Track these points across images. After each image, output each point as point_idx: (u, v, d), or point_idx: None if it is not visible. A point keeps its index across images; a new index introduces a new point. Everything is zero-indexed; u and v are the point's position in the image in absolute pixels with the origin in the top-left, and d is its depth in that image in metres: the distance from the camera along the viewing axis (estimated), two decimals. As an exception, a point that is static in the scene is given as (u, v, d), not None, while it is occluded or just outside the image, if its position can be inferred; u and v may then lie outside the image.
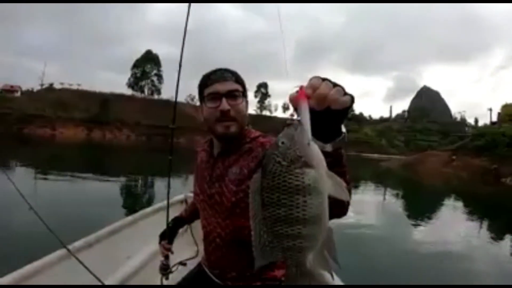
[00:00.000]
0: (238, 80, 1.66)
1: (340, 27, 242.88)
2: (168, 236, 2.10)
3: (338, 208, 1.07)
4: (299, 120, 0.84)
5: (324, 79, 0.89)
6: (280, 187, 0.80)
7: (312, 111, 0.84)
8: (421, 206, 15.26)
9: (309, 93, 0.87)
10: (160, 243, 2.11)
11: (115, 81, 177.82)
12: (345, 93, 0.90)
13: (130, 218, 3.55)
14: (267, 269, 1.69)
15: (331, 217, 0.88)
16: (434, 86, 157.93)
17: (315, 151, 0.82)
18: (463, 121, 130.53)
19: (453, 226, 11.23)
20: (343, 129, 1.00)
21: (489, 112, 66.99)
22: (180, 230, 2.22)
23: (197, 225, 1.99)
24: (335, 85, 0.89)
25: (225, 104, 1.56)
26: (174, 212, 2.45)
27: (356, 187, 20.43)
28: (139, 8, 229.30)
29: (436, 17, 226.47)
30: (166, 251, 2.09)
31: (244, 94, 1.67)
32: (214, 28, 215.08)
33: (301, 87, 0.87)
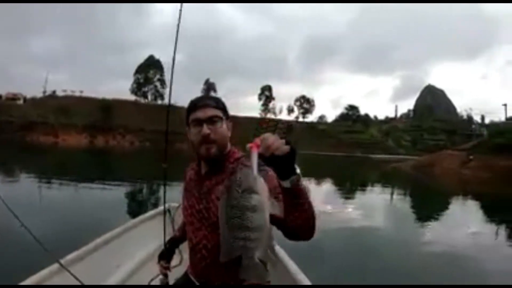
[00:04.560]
0: (219, 106, 1.87)
1: (346, 27, 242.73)
2: (166, 256, 2.34)
3: (303, 233, 1.55)
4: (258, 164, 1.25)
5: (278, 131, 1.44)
6: (237, 206, 1.22)
7: (262, 156, 1.27)
8: (442, 212, 14.42)
9: (259, 144, 1.26)
10: (159, 262, 2.34)
11: (120, 88, 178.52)
12: (287, 143, 1.28)
13: (118, 229, 3.73)
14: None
15: (299, 239, 1.55)
16: (439, 85, 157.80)
17: (260, 183, 1.23)
18: (469, 118, 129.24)
19: (481, 233, 10.69)
20: (297, 170, 1.36)
21: (503, 107, 65.60)
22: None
23: None
24: (282, 137, 1.29)
25: (205, 129, 1.78)
26: (159, 223, 3.04)
27: (364, 190, 21.12)
28: (144, 12, 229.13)
29: (442, 15, 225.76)
30: (165, 270, 2.32)
31: (225, 117, 1.88)
32: (219, 32, 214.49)
33: (255, 141, 1.27)
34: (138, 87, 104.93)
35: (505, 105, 63.62)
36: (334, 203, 14.66)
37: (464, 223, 12.14)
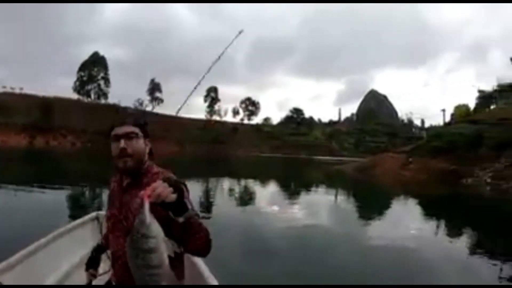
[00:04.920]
0: (136, 124, 2.07)
1: (296, 30, 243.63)
2: (92, 264, 2.46)
3: (202, 254, 1.87)
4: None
5: (165, 182, 1.53)
6: (138, 247, 1.43)
7: (155, 203, 1.48)
8: (381, 210, 14.83)
9: (149, 194, 1.46)
10: (87, 270, 2.45)
11: (63, 85, 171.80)
12: (174, 192, 1.51)
13: (47, 237, 3.68)
14: None
15: (199, 256, 2.44)
16: (383, 90, 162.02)
17: (154, 228, 1.44)
18: (410, 122, 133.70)
19: (414, 228, 11.20)
20: (189, 206, 1.62)
21: (441, 113, 68.67)
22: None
23: None
24: (171, 185, 1.52)
25: (122, 144, 1.96)
26: (88, 231, 3.52)
27: (309, 191, 21.37)
28: (96, 9, 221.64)
29: (391, 25, 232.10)
30: (93, 277, 2.44)
31: (143, 135, 2.09)
32: (167, 31, 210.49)
33: (146, 191, 1.48)
34: (81, 85, 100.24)
35: (443, 110, 66.42)
36: (280, 204, 14.91)
37: (404, 220, 12.75)
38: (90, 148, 71.99)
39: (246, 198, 16.88)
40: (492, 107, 49.57)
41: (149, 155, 2.13)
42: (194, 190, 16.52)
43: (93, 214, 4.48)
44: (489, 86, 54.77)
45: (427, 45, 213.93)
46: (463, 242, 10.01)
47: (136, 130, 2.03)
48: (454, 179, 26.05)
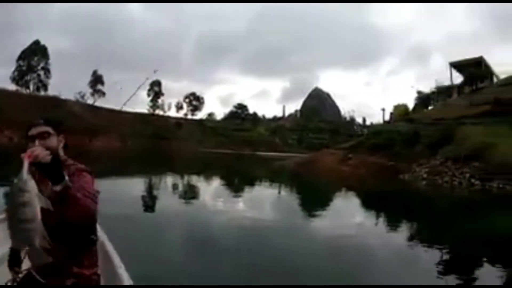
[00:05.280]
0: (48, 124, 2.34)
1: (244, 28, 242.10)
2: (15, 261, 2.39)
3: (82, 221, 2.09)
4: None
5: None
6: (15, 201, 1.66)
7: (33, 163, 1.74)
8: (321, 204, 15.38)
9: (29, 155, 1.74)
10: (11, 270, 2.41)
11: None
12: (50, 154, 1.81)
13: None
14: (77, 267, 2.37)
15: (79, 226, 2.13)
16: (327, 88, 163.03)
17: (30, 184, 1.69)
18: (352, 120, 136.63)
19: (351, 221, 11.82)
20: (66, 177, 1.88)
21: (381, 112, 71.37)
22: None
23: None
24: (47, 149, 1.86)
25: (36, 143, 2.13)
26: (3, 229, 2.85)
27: (252, 186, 21.66)
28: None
29: (337, 26, 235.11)
30: (16, 275, 2.40)
31: (56, 132, 2.37)
32: (114, 23, 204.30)
33: (26, 153, 1.74)
34: (19, 75, 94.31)
35: (383, 109, 68.86)
36: (224, 198, 15.06)
37: (345, 213, 13.40)
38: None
39: (189, 194, 16.82)
40: (429, 107, 51.62)
41: (64, 149, 2.45)
42: (137, 186, 16.43)
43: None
44: (427, 88, 57.10)
45: (371, 47, 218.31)
46: (401, 232, 10.64)
47: (48, 129, 2.32)
48: (392, 174, 27.25)
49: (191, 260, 6.85)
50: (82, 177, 2.24)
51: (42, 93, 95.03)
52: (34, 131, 2.27)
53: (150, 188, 17.61)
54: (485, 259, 7.94)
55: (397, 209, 15.28)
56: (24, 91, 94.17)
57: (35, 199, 1.70)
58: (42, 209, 1.77)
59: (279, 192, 19.34)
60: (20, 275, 2.47)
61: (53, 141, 2.31)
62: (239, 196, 16.21)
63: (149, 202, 13.41)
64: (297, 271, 6.45)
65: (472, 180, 23.83)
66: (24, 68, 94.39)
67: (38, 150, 1.78)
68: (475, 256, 8.30)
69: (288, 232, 9.76)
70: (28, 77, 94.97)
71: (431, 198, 20.01)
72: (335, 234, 9.50)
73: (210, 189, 18.74)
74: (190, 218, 10.89)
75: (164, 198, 14.53)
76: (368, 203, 16.14)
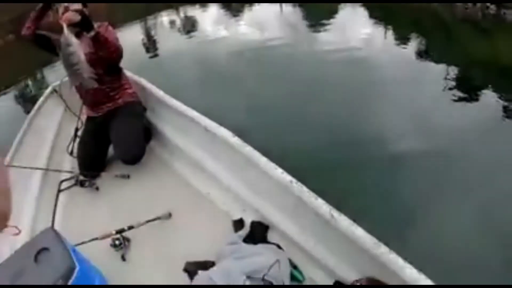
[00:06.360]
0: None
1: None
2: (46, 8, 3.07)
3: (114, 59, 3.23)
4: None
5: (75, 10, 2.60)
6: (64, 53, 2.47)
7: (69, 24, 2.46)
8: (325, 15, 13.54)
9: (64, 19, 2.44)
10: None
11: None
12: (80, 15, 2.55)
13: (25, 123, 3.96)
14: (118, 98, 3.53)
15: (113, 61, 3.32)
16: None
17: (71, 39, 2.43)
18: None
19: (357, 35, 10.69)
20: (94, 26, 2.74)
21: None
22: None
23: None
24: (75, 11, 2.56)
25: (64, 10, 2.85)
26: (56, 105, 4.24)
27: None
28: None
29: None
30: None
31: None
32: None
33: (62, 19, 2.46)
34: None
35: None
36: (226, 23, 13.95)
37: (352, 27, 11.91)
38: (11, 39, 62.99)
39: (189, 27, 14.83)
40: None
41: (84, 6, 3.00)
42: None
43: (48, 89, 4.40)
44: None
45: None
46: (411, 47, 9.79)
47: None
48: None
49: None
50: (105, 27, 3.12)
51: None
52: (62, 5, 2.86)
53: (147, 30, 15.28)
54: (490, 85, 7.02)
55: (407, 25, 13.73)
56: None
57: (77, 48, 2.45)
58: (85, 54, 2.62)
59: (282, 10, 16.97)
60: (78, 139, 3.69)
61: (77, 5, 2.82)
62: (242, 19, 14.73)
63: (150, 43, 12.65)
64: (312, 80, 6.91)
65: (487, 4, 21.98)
66: None
67: (69, 14, 2.51)
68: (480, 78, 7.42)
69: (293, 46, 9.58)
70: None
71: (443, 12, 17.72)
72: (345, 47, 9.06)
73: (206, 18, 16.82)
74: (197, 52, 10.43)
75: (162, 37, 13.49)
76: (376, 14, 14.37)
